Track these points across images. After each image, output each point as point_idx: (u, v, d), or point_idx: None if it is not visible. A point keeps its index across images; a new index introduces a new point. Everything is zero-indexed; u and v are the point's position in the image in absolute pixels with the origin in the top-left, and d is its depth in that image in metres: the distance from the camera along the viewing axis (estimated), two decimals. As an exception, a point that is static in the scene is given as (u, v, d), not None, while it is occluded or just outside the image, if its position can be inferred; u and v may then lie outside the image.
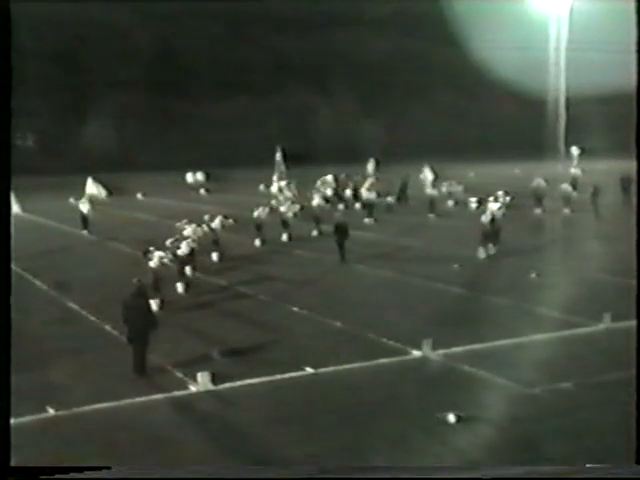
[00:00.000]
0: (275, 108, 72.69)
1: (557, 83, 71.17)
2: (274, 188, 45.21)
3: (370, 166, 47.51)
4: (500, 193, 32.13)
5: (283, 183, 42.86)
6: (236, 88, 71.40)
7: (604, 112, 58.89)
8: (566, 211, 37.60)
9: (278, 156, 48.40)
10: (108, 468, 9.31)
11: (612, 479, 8.47)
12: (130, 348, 15.22)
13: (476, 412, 12.79)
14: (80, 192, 38.75)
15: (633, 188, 36.22)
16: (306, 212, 33.37)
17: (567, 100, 70.26)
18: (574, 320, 18.23)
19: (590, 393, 13.60)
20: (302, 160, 61.31)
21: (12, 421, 12.60)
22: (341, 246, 26.76)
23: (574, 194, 38.98)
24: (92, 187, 35.05)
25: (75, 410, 13.26)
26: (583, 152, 48.74)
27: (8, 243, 9.34)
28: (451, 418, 12.44)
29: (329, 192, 41.98)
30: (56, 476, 8.37)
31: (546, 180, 40.10)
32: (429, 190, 40.01)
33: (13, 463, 8.92)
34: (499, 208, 28.53)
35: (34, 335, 17.77)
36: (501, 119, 77.01)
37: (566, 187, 39.51)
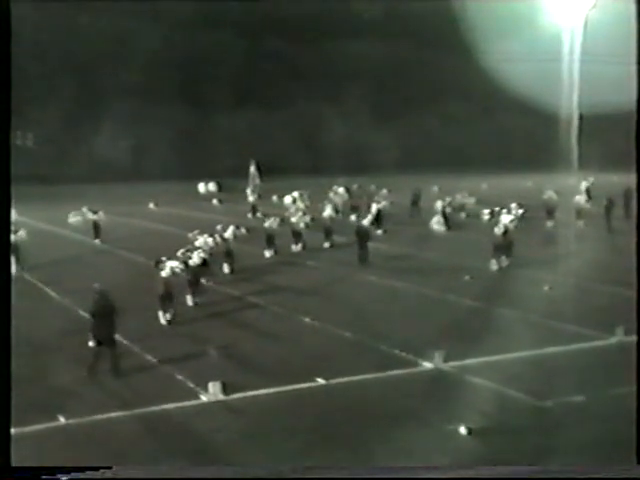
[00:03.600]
0: (287, 119, 72.81)
1: (570, 94, 71.00)
2: (250, 199, 45.28)
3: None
4: (513, 205, 32.04)
5: (296, 194, 42.81)
6: (248, 98, 71.56)
7: (617, 124, 58.70)
8: (579, 223, 37.44)
9: (252, 169, 48.37)
10: (109, 468, 9.31)
11: (612, 479, 8.43)
12: (134, 356, 15.22)
13: (488, 424, 12.73)
14: (92, 201, 38.84)
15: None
16: (317, 223, 33.33)
17: (580, 112, 70.08)
18: (587, 333, 18.15)
19: (602, 406, 13.51)
20: (313, 171, 61.48)
21: (24, 430, 12.74)
22: (362, 248, 28.28)
23: (587, 206, 38.82)
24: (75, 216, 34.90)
25: (85, 419, 13.28)
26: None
27: (8, 244, 9.35)
28: (462, 430, 12.39)
29: (340, 203, 42.03)
30: (57, 476, 8.38)
31: (557, 192, 40.02)
32: (440, 202, 39.71)
33: (13, 463, 8.92)
34: (511, 220, 28.44)
35: (45, 343, 17.81)
36: (514, 131, 76.90)
37: (579, 199, 39.37)
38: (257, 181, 47.88)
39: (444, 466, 10.90)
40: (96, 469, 9.23)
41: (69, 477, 8.68)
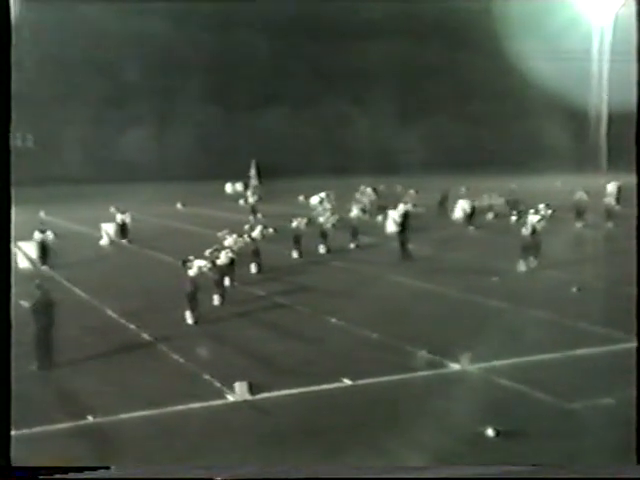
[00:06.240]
0: (313, 119, 72.85)
1: (600, 94, 70.35)
2: (251, 200, 45.30)
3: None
4: (542, 206, 31.76)
5: (321, 195, 42.78)
6: (274, 98, 71.72)
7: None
8: (609, 225, 37.06)
9: (252, 171, 48.43)
10: (107, 468, 9.33)
11: (612, 479, 8.32)
12: (161, 354, 15.27)
13: (515, 427, 12.62)
14: (119, 201, 39.15)
15: None
16: (344, 223, 33.25)
17: (609, 111, 69.43)
18: (615, 335, 17.94)
19: (631, 409, 13.33)
20: (339, 171, 61.44)
21: (52, 427, 12.85)
22: (403, 244, 29.41)
23: (617, 208, 38.44)
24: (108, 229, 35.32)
25: (112, 418, 13.35)
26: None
27: (9, 245, 9.34)
28: (490, 432, 12.29)
29: (368, 204, 41.97)
30: (55, 476, 8.40)
31: (587, 193, 39.65)
32: (467, 210, 39.55)
33: (13, 463, 8.95)
34: (539, 220, 28.20)
35: (73, 343, 17.92)
36: (542, 130, 76.37)
37: (609, 200, 38.98)
38: (255, 182, 48.00)
39: (444, 466, 10.83)
40: (94, 469, 9.25)
41: (66, 477, 8.71)
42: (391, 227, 38.34)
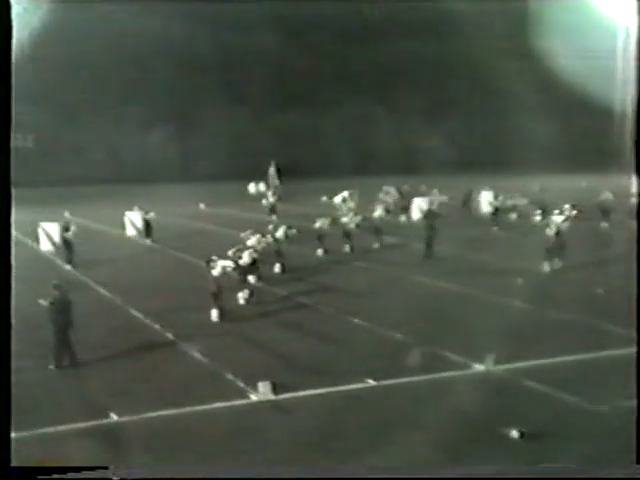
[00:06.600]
0: (336, 119, 72.78)
1: (624, 93, 69.81)
2: (271, 200, 45.11)
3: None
4: (567, 206, 31.55)
5: (345, 194, 42.70)
6: (297, 98, 71.70)
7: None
8: (634, 224, 36.67)
9: (272, 170, 48.33)
10: (105, 468, 9.36)
11: (612, 479, 8.26)
12: (185, 354, 15.29)
13: (540, 429, 12.53)
14: (143, 201, 39.34)
15: None
16: (367, 223, 33.17)
17: (635, 110, 68.81)
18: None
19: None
20: (362, 171, 61.40)
21: (75, 426, 12.93)
22: (429, 244, 29.42)
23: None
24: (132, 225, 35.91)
25: (135, 417, 13.40)
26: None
27: (8, 244, 9.38)
28: (514, 434, 12.22)
29: (392, 203, 41.90)
30: (54, 476, 8.44)
31: (614, 193, 39.32)
32: (493, 202, 39.49)
33: (13, 463, 8.99)
34: (564, 221, 28.01)
35: (98, 342, 18.02)
36: (567, 130, 75.78)
37: (635, 200, 38.62)
38: (276, 182, 48.00)
39: (444, 466, 10.79)
40: (92, 469, 9.28)
41: (65, 477, 8.74)
42: (416, 214, 38.59)
